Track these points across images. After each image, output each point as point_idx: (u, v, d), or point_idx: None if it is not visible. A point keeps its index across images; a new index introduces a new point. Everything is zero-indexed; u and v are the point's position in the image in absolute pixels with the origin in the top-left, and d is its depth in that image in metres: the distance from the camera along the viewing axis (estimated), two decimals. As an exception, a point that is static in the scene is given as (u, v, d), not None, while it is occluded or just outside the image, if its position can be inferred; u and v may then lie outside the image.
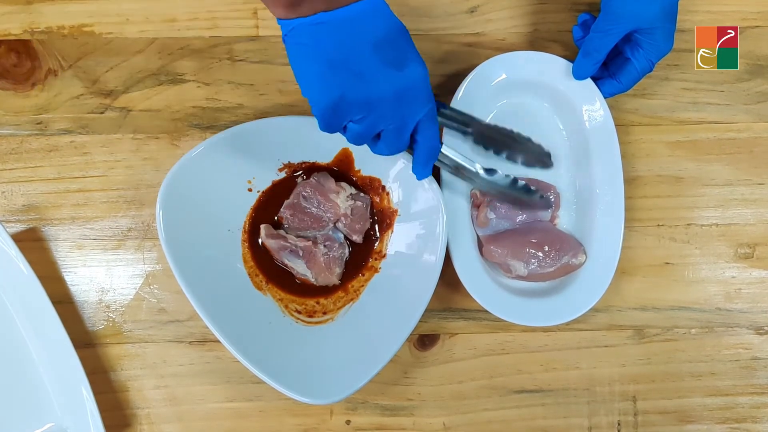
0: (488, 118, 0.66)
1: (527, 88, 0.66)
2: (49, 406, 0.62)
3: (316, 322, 0.64)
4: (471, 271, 0.62)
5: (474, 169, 0.61)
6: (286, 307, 0.64)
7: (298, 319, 0.64)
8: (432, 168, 0.59)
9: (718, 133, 0.69)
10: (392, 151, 0.55)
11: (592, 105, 0.65)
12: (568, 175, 0.66)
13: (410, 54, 0.51)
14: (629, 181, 0.67)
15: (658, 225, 0.68)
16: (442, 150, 0.60)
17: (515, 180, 0.63)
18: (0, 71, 0.67)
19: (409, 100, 0.52)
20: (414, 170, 0.58)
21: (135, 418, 0.65)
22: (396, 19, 0.50)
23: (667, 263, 0.67)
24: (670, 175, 0.68)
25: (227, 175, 0.63)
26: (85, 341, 0.65)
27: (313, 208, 0.65)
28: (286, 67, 0.68)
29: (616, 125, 0.65)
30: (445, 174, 0.63)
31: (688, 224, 0.68)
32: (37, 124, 0.67)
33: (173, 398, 0.65)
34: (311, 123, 0.64)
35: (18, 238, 0.63)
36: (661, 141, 0.69)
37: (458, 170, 0.61)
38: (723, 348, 0.66)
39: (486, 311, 0.62)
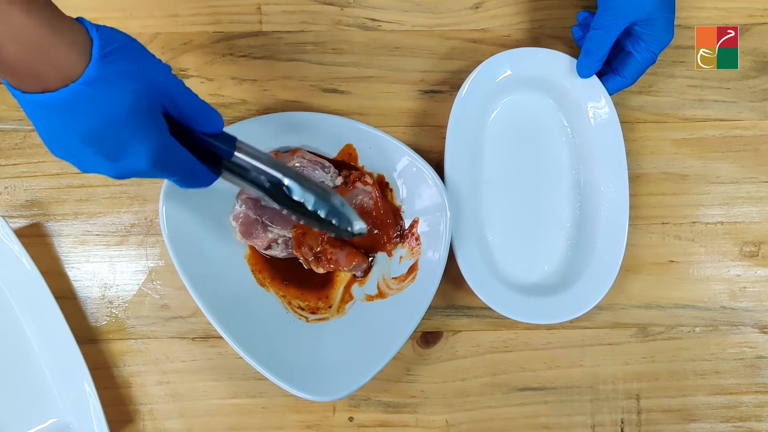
0: (492, 115, 0.66)
1: (532, 85, 0.66)
2: (52, 401, 0.62)
3: (319, 319, 0.63)
4: (475, 269, 0.62)
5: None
6: (289, 303, 0.64)
7: (301, 315, 0.63)
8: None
9: (723, 130, 0.68)
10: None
11: (597, 102, 0.64)
12: (572, 173, 0.66)
13: (132, 142, 0.43)
14: (634, 178, 0.67)
15: (663, 223, 0.67)
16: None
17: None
18: (3, 66, 0.67)
19: (136, 175, 0.46)
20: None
21: (138, 413, 0.65)
22: (118, 105, 0.42)
23: (672, 261, 0.67)
24: (675, 172, 0.68)
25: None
26: (88, 337, 0.65)
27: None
28: (289, 63, 0.68)
29: (621, 122, 0.64)
30: (449, 171, 0.63)
31: (693, 222, 0.67)
32: (40, 119, 0.67)
33: (176, 394, 0.65)
34: (315, 118, 0.64)
35: (21, 234, 0.63)
36: (666, 138, 0.68)
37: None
38: (727, 346, 0.66)
39: (489, 308, 0.62)
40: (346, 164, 0.65)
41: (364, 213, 0.62)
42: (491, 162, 0.66)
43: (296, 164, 0.63)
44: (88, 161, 0.44)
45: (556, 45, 0.68)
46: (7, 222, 0.62)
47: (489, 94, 0.65)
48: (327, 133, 0.64)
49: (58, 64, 0.40)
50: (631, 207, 0.64)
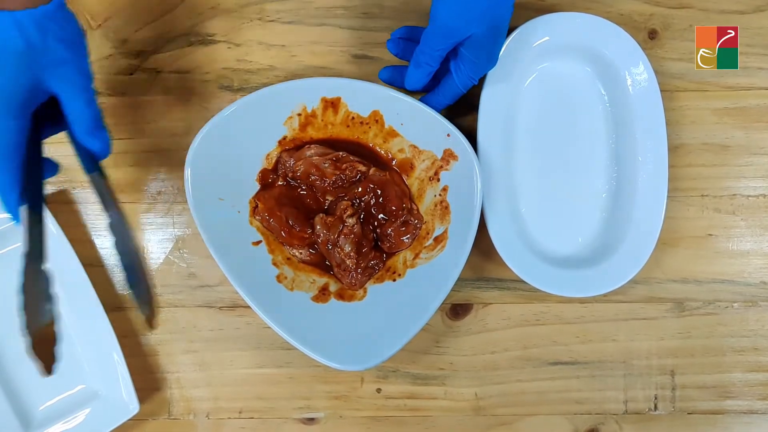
0: (527, 82, 0.64)
1: (569, 51, 0.63)
2: (81, 368, 0.63)
3: (348, 289, 0.63)
4: (506, 239, 0.61)
5: None
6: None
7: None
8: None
9: (768, 99, 0.66)
10: None
11: (636, 69, 0.62)
12: (609, 142, 0.64)
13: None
14: (673, 148, 0.64)
15: (702, 195, 0.65)
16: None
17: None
18: (29, 30, 0.66)
19: None
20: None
21: (165, 381, 0.65)
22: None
23: (710, 234, 0.65)
24: (716, 143, 0.66)
25: (257, 137, 0.62)
26: (116, 304, 0.64)
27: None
28: (318, 28, 0.66)
29: (660, 91, 0.62)
30: (482, 138, 0.61)
31: (734, 194, 0.65)
32: (67, 84, 0.66)
33: (203, 363, 0.64)
34: (343, 85, 0.62)
35: (48, 200, 0.63)
36: (708, 107, 0.66)
37: None
38: (767, 323, 0.64)
39: (521, 281, 0.60)
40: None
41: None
42: (525, 130, 0.64)
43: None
44: None
45: (595, 8, 0.65)
46: (34, 188, 0.61)
47: (525, 60, 0.63)
48: (356, 99, 0.63)
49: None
50: (669, 178, 0.61)
